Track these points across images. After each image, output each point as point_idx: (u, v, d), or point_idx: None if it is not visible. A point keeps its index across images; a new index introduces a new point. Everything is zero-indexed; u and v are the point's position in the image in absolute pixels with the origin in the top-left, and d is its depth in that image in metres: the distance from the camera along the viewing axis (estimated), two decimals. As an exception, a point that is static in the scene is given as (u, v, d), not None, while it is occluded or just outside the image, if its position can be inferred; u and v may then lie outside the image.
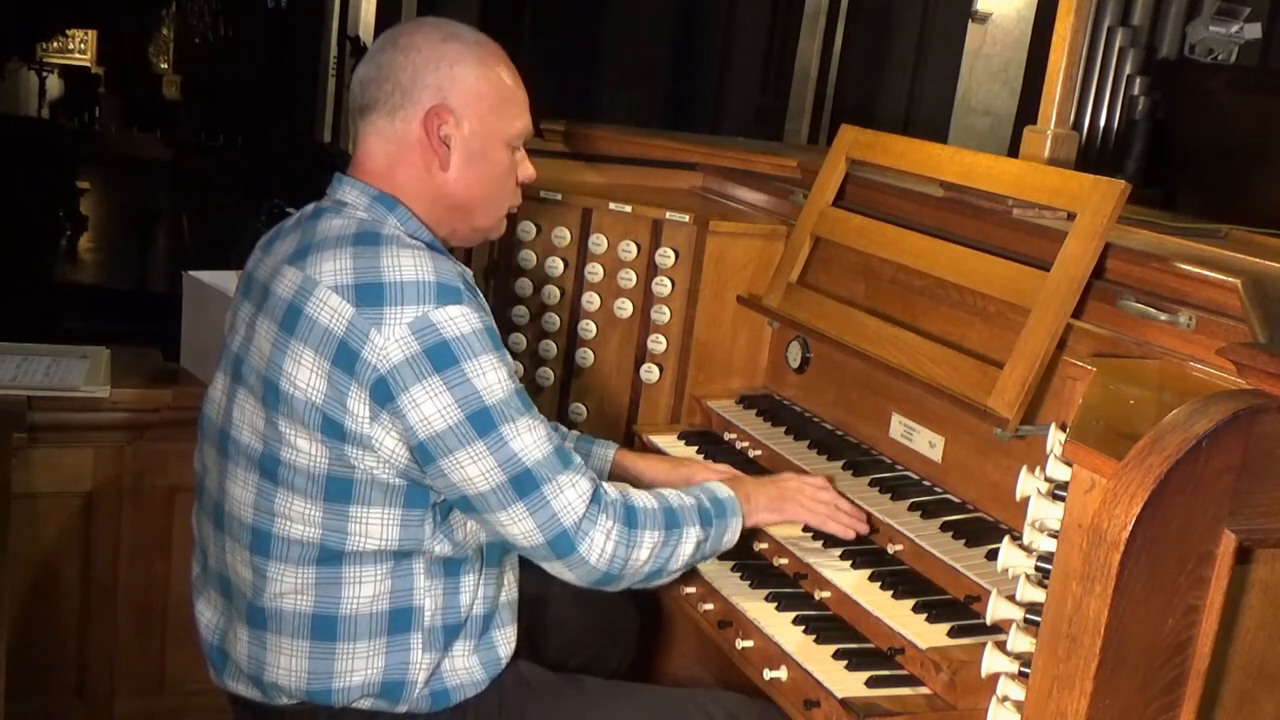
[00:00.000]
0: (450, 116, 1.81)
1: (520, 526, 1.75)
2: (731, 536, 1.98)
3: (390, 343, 1.67)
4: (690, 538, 1.89)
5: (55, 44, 17.77)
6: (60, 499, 2.82)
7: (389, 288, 1.69)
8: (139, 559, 2.90)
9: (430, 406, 1.68)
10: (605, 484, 1.84)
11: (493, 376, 1.71)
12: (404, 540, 1.77)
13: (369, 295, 1.69)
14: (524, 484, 1.73)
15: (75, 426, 2.79)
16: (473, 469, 1.71)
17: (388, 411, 1.68)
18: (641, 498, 1.88)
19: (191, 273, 3.02)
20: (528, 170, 1.94)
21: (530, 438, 1.74)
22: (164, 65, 18.94)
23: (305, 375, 1.70)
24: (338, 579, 1.77)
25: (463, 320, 1.70)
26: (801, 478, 2.13)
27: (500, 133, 1.86)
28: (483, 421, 1.70)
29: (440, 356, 1.68)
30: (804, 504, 2.06)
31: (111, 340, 3.10)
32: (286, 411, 1.72)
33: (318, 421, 1.70)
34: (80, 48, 18.51)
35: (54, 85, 17.72)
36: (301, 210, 1.92)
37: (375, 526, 1.75)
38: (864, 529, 2.06)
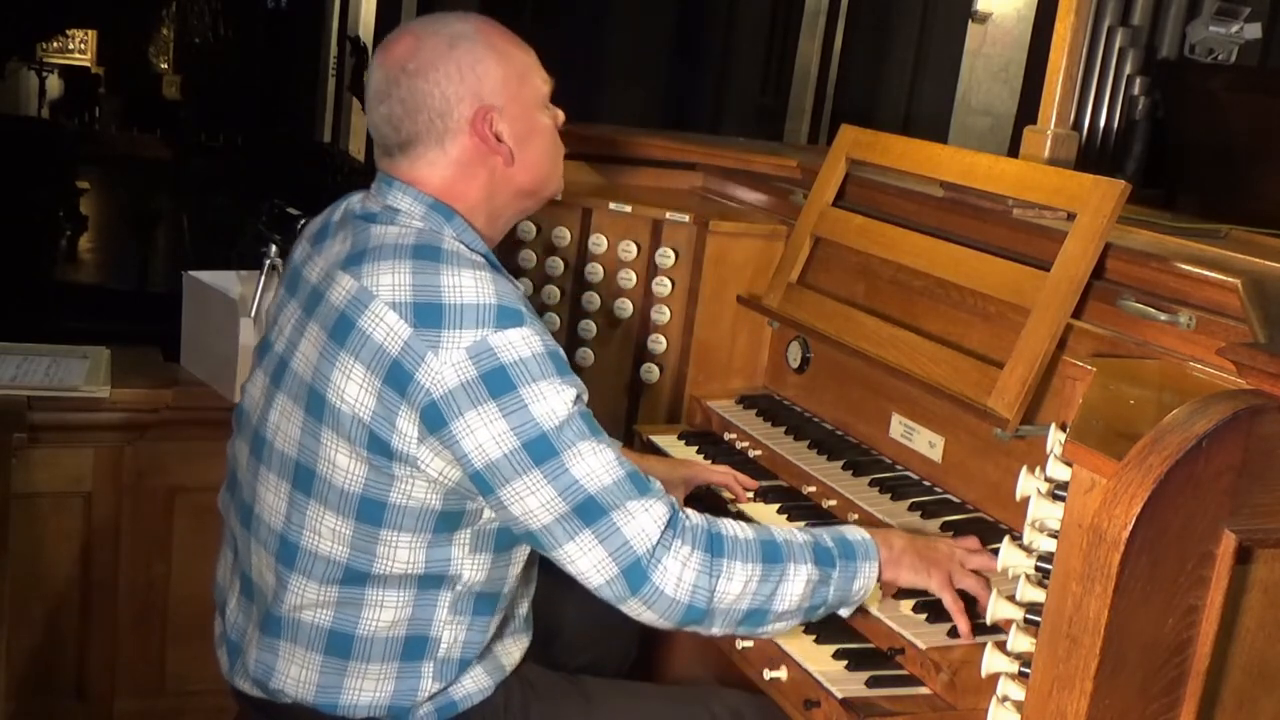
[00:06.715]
0: (494, 113, 1.76)
1: (590, 558, 1.63)
2: (864, 584, 1.76)
3: (446, 367, 1.60)
4: (798, 575, 1.70)
5: (55, 44, 17.80)
6: (60, 499, 2.81)
7: (448, 309, 1.63)
8: (139, 559, 2.89)
9: (485, 433, 1.60)
10: (688, 509, 1.71)
11: (555, 400, 1.62)
12: (430, 563, 1.73)
13: (427, 316, 1.63)
14: (589, 511, 1.63)
15: (75, 426, 2.78)
16: (532, 500, 1.62)
17: (437, 437, 1.62)
18: (733, 526, 1.71)
19: (191, 273, 3.02)
20: (558, 116, 1.89)
21: (595, 462, 1.64)
22: (164, 65, 18.96)
23: (354, 390, 1.65)
24: (359, 600, 1.74)
25: (523, 344, 1.63)
26: (954, 544, 1.87)
27: (534, 100, 1.82)
28: (540, 448, 1.61)
29: (497, 382, 1.61)
30: (955, 573, 1.81)
31: (111, 340, 3.09)
32: (332, 424, 1.68)
33: (364, 438, 1.66)
34: (80, 48, 18.53)
35: (54, 85, 17.74)
36: (344, 204, 1.86)
37: (404, 551, 1.72)
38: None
